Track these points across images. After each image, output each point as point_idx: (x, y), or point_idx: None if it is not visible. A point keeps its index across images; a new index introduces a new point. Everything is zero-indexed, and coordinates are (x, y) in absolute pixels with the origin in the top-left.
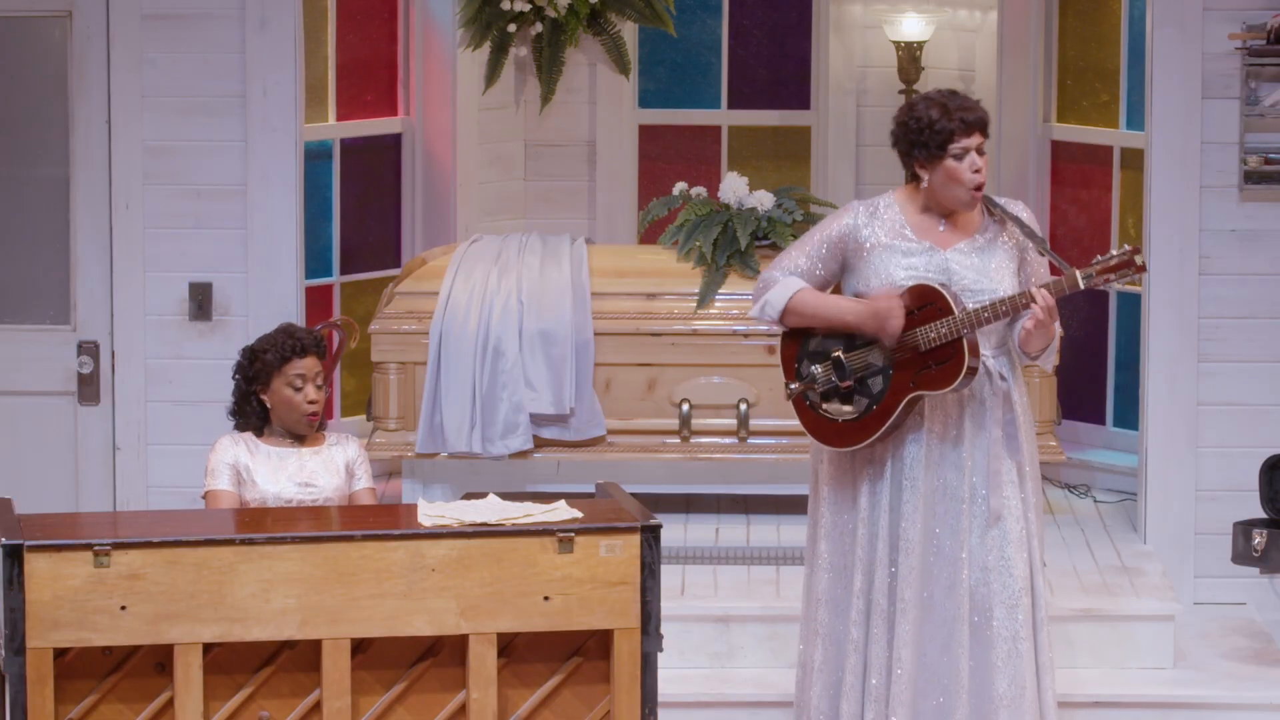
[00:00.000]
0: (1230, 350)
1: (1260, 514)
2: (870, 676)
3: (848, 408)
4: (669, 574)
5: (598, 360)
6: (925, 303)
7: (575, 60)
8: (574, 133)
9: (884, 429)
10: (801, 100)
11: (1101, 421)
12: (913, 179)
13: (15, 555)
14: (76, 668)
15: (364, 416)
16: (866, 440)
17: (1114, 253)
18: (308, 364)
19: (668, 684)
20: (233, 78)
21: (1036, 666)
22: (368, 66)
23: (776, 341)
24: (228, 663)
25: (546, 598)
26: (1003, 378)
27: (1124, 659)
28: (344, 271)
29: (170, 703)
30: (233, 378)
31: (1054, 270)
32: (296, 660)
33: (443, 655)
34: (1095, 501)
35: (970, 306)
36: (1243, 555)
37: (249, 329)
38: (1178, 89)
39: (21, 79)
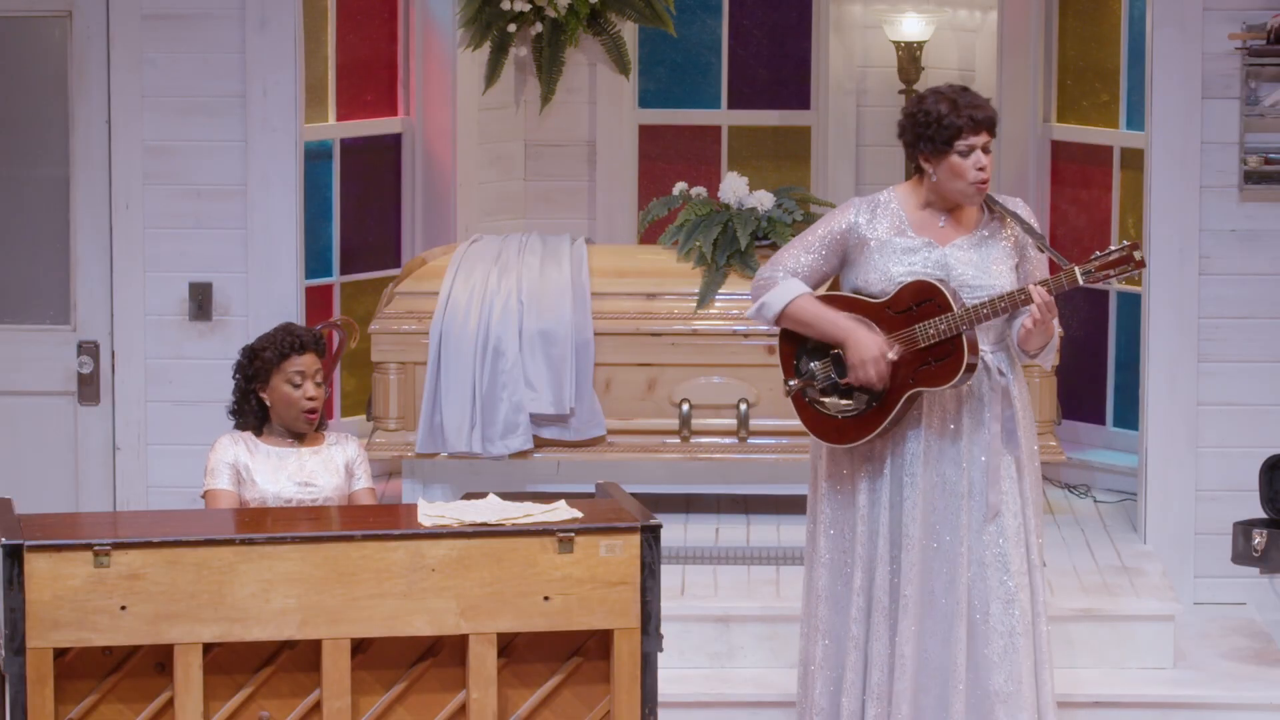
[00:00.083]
0: (1230, 350)
1: (1260, 514)
2: (871, 673)
3: (847, 404)
4: (669, 574)
5: (598, 360)
6: (924, 299)
7: (575, 60)
8: (574, 133)
9: (883, 425)
10: (801, 100)
11: (1101, 421)
12: (916, 172)
13: (15, 555)
14: (76, 668)
15: (364, 416)
16: (866, 437)
17: (1113, 248)
18: (307, 361)
19: (668, 684)
20: (233, 78)
21: (1035, 662)
22: (368, 66)
23: (776, 341)
24: (228, 663)
25: (546, 598)
26: (1001, 373)
27: (1124, 659)
28: (344, 271)
29: (170, 703)
30: (233, 377)
31: (1053, 267)
32: (296, 660)
33: (443, 655)
34: (1095, 501)
35: (969, 303)
36: (1243, 555)
37: (249, 329)
38: (1178, 89)
39: (21, 79)
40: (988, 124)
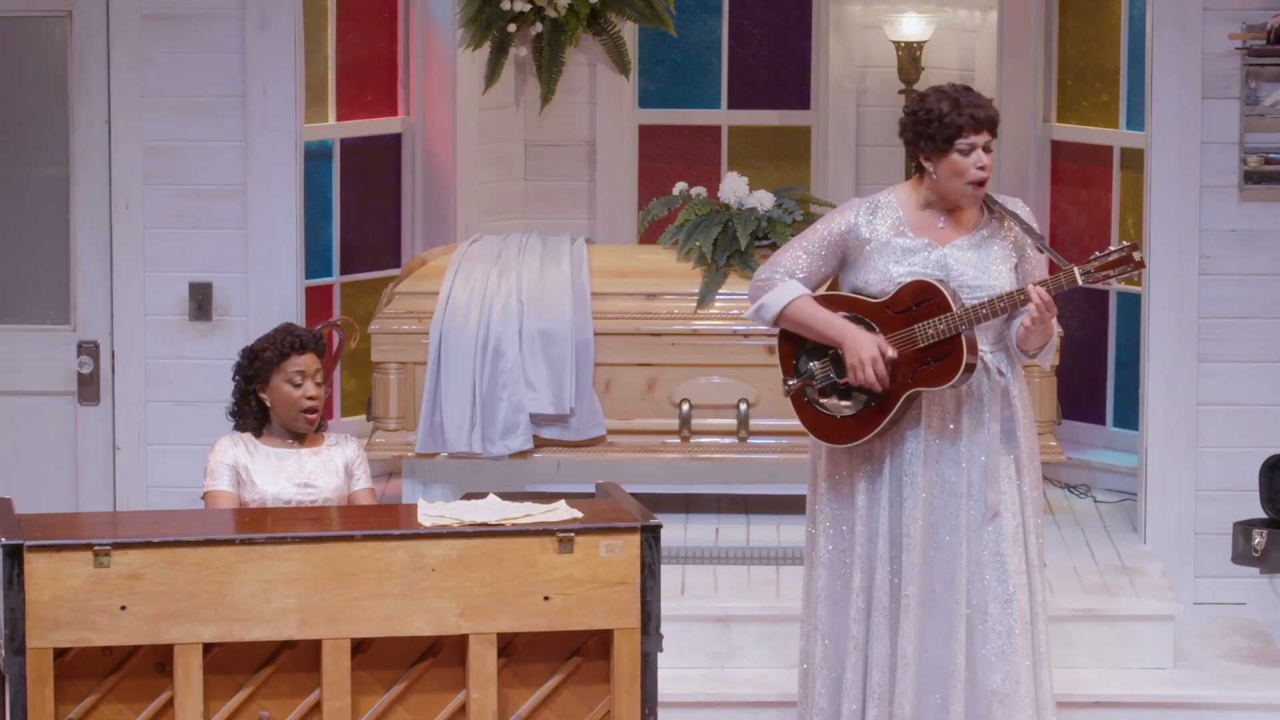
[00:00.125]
0: (1230, 350)
1: (1260, 514)
2: (872, 674)
3: (846, 404)
4: (669, 574)
5: (598, 360)
6: (923, 299)
7: (575, 60)
8: (574, 133)
9: (882, 425)
10: (801, 100)
11: (1101, 421)
12: (917, 171)
13: (15, 555)
14: (76, 668)
15: (364, 416)
16: (865, 437)
17: (1113, 249)
18: (306, 361)
19: (668, 684)
20: (233, 78)
21: (1033, 661)
22: (368, 66)
23: (776, 341)
24: (228, 663)
25: (546, 598)
26: (1001, 373)
27: (1124, 659)
28: (344, 271)
29: (170, 703)
30: (232, 379)
31: (1053, 267)
32: (296, 660)
33: (443, 655)
34: (1095, 501)
35: (968, 303)
36: (1243, 555)
37: (249, 329)
38: (1178, 89)
39: (21, 79)
40: (989, 123)
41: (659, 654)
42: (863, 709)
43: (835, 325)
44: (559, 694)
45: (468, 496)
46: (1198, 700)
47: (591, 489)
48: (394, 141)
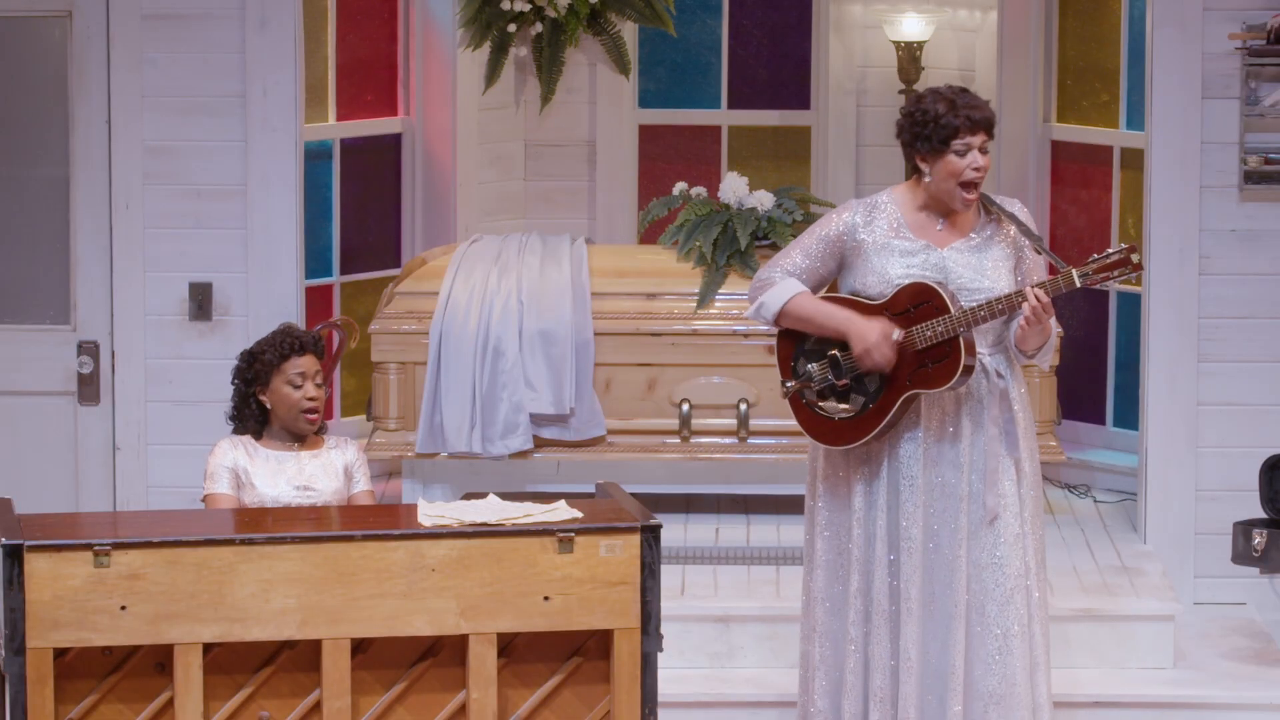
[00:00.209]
0: (1230, 350)
1: (1260, 514)
2: (873, 676)
3: (844, 406)
4: (669, 574)
5: (598, 360)
6: (921, 301)
7: (575, 60)
8: (574, 133)
9: (880, 427)
10: (801, 100)
11: (1101, 421)
12: (913, 173)
13: (15, 555)
14: (76, 668)
15: (364, 416)
16: (863, 439)
17: (1111, 251)
18: (306, 362)
19: (668, 684)
20: (233, 78)
21: (1030, 663)
22: (368, 66)
23: (775, 341)
24: (228, 663)
25: (546, 598)
26: (999, 375)
27: (1124, 659)
28: (344, 271)
29: (170, 703)
30: (231, 382)
31: (1051, 269)
32: (296, 660)
33: (443, 655)
34: (1095, 501)
35: (966, 305)
36: (1243, 555)
37: (249, 329)
38: (1178, 89)
39: (21, 79)
40: (985, 124)
41: (659, 654)
42: (864, 711)
43: (837, 315)
44: (559, 694)
45: (468, 496)
46: (1198, 700)
47: (591, 489)
48: (394, 141)
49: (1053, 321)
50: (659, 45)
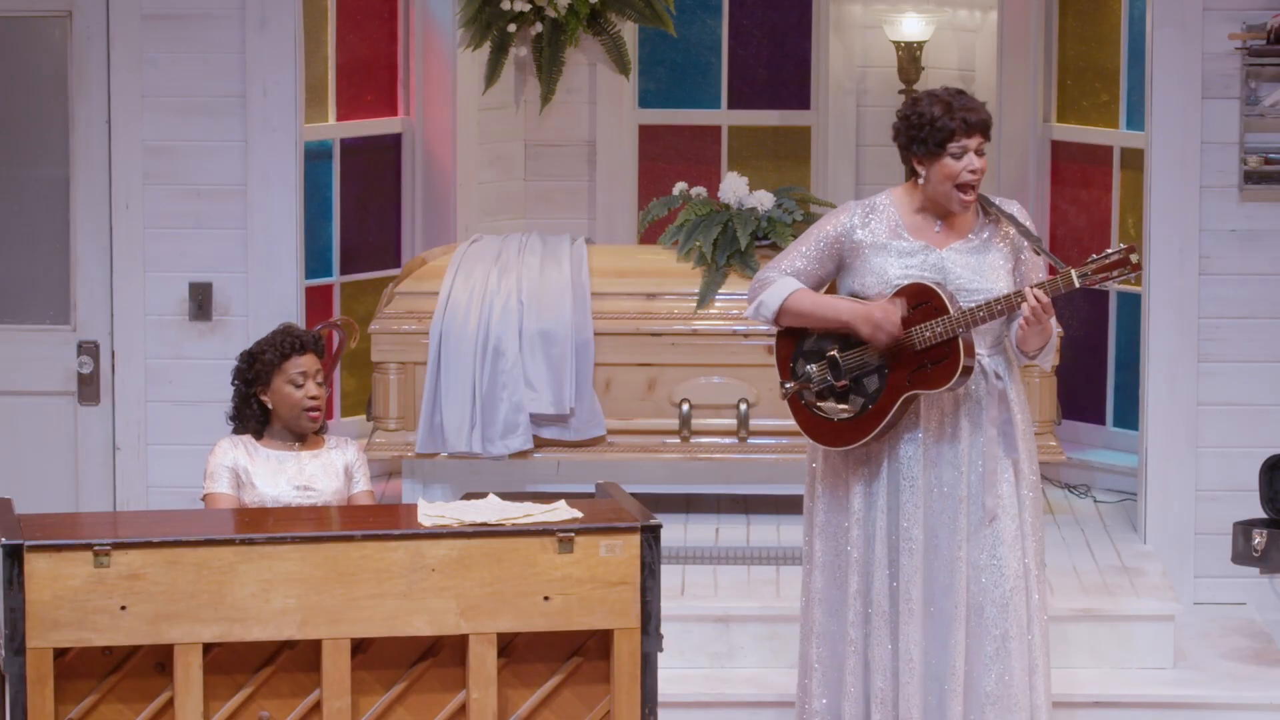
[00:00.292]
0: (1230, 350)
1: (1260, 514)
2: (874, 678)
3: (843, 407)
4: (669, 574)
5: (598, 360)
6: (920, 302)
7: (575, 60)
8: (574, 133)
9: (879, 428)
10: (801, 100)
11: (1101, 421)
12: (911, 175)
13: (15, 555)
14: (76, 668)
15: (364, 416)
16: (862, 440)
17: (1110, 251)
18: (307, 361)
19: (668, 684)
20: (233, 78)
21: (1029, 664)
22: (368, 66)
23: (774, 341)
24: (228, 663)
25: (546, 598)
26: (998, 377)
27: (1124, 659)
28: (344, 271)
29: (170, 703)
30: (231, 383)
31: (1051, 270)
32: (296, 660)
33: (443, 655)
34: (1095, 501)
35: (965, 306)
36: (1243, 555)
37: (249, 329)
38: (1178, 89)
39: (21, 79)
40: (981, 127)
41: (659, 654)
42: (865, 713)
43: (837, 306)
44: (559, 694)
45: (468, 496)
46: (1198, 700)
47: (591, 489)
48: (394, 141)
49: (1053, 322)
50: (659, 45)
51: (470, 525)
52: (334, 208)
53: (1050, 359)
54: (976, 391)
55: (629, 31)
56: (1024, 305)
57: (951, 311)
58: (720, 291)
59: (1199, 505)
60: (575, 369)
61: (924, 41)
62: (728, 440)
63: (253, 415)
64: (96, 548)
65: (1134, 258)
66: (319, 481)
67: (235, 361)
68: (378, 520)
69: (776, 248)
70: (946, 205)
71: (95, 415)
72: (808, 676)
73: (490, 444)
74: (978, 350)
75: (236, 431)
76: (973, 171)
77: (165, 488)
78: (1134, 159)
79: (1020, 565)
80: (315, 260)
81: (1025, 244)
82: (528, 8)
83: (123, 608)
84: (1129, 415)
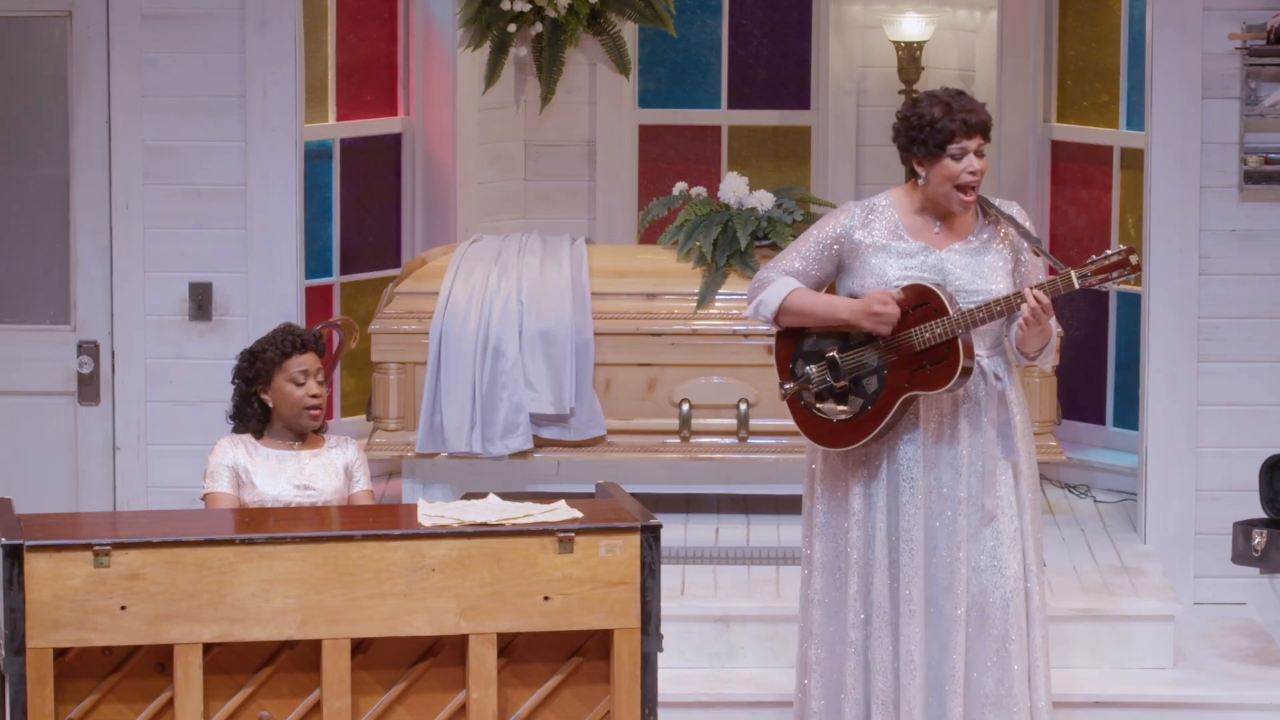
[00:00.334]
0: (1230, 350)
1: (1260, 514)
2: (875, 679)
3: (842, 408)
4: (669, 574)
5: (598, 360)
6: (920, 302)
7: (575, 60)
8: (574, 133)
9: (878, 429)
10: (801, 100)
11: (1101, 421)
12: (911, 176)
13: (15, 555)
14: (76, 668)
15: (364, 416)
16: (861, 441)
17: (1109, 252)
18: (308, 359)
19: (668, 684)
20: (233, 78)
21: (1029, 666)
22: (368, 66)
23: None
24: (228, 663)
25: (546, 598)
26: (998, 378)
27: (1124, 659)
28: (344, 271)
29: (170, 703)
30: (232, 382)
31: (1050, 270)
32: (296, 660)
33: (443, 655)
34: (1095, 501)
35: (965, 307)
36: (1243, 555)
37: (249, 329)
38: (1178, 89)
39: (21, 79)
40: (981, 128)
41: (659, 654)
42: (866, 714)
43: (836, 304)
44: (559, 694)
45: (468, 496)
46: (1198, 700)
47: (591, 489)
48: (394, 141)
49: (1053, 322)
50: (659, 45)
51: (470, 525)
52: (334, 208)
53: (1050, 360)
54: (976, 392)
55: (629, 31)
56: (1024, 306)
57: (951, 313)
58: (720, 291)
59: (1199, 505)
60: (575, 369)
61: (924, 41)
62: (728, 440)
63: (253, 414)
64: (96, 548)
65: (1133, 259)
66: (319, 481)
67: (235, 361)
68: (378, 520)
69: (776, 248)
70: (946, 206)
71: (95, 415)
72: (806, 677)
73: (490, 444)
74: (977, 351)
75: (237, 430)
76: (973, 173)
77: (165, 488)
78: (1134, 159)
79: (1020, 566)
80: (315, 260)
81: (1025, 245)
82: (528, 8)
83: (123, 608)
84: (1129, 415)
